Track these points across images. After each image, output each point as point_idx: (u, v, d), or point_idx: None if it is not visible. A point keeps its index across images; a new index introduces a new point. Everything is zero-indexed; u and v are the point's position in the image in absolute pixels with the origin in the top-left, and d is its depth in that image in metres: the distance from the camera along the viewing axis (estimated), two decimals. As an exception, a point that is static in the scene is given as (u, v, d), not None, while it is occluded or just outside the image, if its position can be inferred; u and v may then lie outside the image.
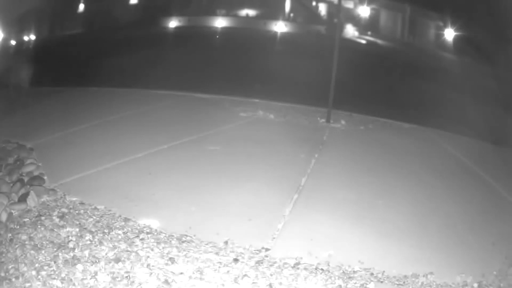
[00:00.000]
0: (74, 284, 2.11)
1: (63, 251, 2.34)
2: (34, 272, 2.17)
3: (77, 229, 2.56)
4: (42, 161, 3.53)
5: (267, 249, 2.53)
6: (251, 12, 13.13)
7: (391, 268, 2.46)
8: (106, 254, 2.35)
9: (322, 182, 3.47)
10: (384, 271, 2.43)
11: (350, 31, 12.08)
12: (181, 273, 2.25)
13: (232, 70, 7.95)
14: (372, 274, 2.40)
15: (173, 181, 3.30)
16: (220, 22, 12.77)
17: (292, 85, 6.79)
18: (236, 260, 2.41)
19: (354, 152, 4.25)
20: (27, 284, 2.10)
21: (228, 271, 2.30)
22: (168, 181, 3.30)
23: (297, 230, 2.76)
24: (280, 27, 12.61)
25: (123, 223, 2.69)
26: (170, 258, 2.36)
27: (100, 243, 2.44)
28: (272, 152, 4.00)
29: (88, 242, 2.44)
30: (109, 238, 2.50)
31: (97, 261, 2.27)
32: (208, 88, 6.20)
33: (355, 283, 2.30)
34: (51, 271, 2.19)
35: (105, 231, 2.57)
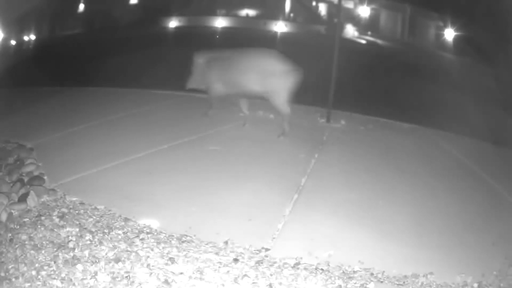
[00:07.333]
0: (74, 284, 2.11)
1: (63, 251, 2.34)
2: (34, 272, 2.17)
3: (77, 229, 2.56)
4: (42, 161, 3.53)
5: (267, 249, 2.53)
6: (251, 12, 13.11)
7: (391, 268, 2.46)
8: (106, 254, 2.35)
9: (322, 182, 3.47)
10: (384, 271, 2.43)
11: (350, 31, 12.06)
12: (181, 273, 2.25)
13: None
14: (372, 274, 2.41)
15: (173, 181, 3.30)
16: (220, 22, 12.75)
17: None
18: (236, 260, 2.41)
19: (354, 152, 4.25)
20: (27, 284, 2.10)
21: (228, 271, 2.31)
22: (168, 181, 3.29)
23: (297, 230, 2.76)
24: (280, 27, 12.59)
25: (123, 223, 2.70)
26: (170, 258, 2.36)
27: (100, 243, 2.44)
28: (272, 152, 4.00)
29: (88, 242, 2.45)
30: (109, 238, 2.50)
31: (97, 261, 2.28)
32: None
33: (355, 283, 2.30)
34: (51, 271, 2.19)
35: (105, 231, 2.57)
